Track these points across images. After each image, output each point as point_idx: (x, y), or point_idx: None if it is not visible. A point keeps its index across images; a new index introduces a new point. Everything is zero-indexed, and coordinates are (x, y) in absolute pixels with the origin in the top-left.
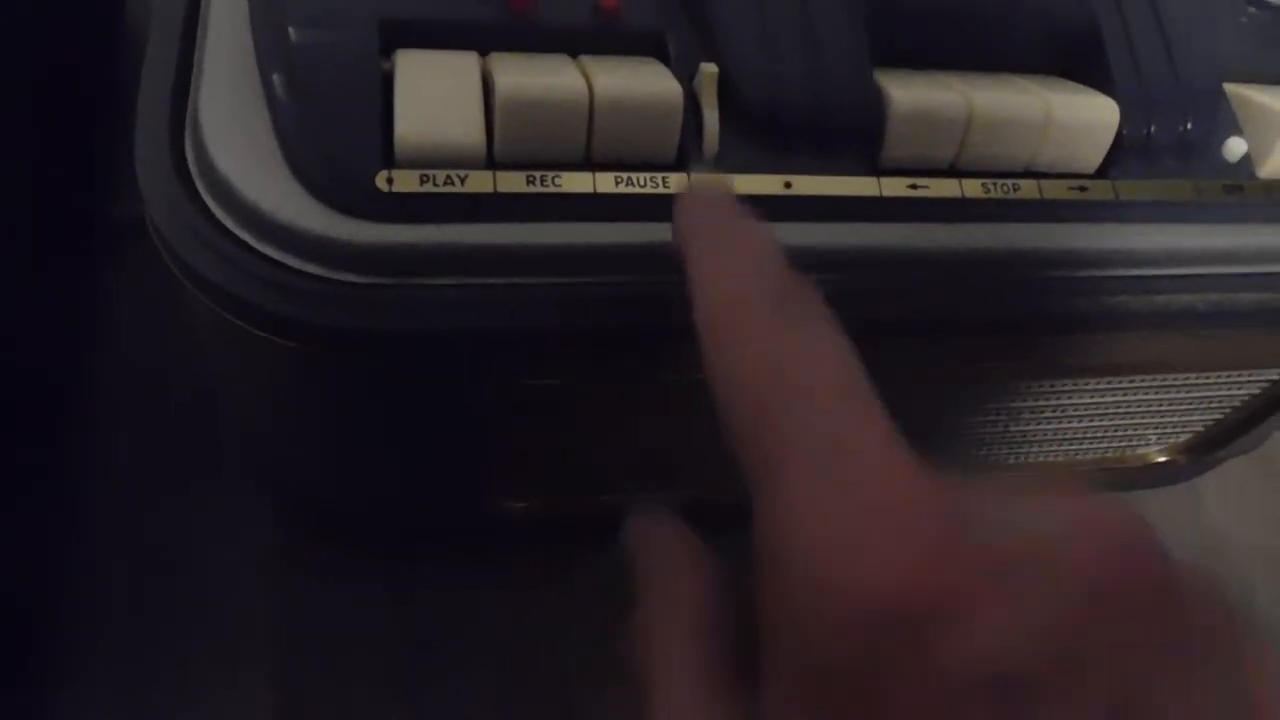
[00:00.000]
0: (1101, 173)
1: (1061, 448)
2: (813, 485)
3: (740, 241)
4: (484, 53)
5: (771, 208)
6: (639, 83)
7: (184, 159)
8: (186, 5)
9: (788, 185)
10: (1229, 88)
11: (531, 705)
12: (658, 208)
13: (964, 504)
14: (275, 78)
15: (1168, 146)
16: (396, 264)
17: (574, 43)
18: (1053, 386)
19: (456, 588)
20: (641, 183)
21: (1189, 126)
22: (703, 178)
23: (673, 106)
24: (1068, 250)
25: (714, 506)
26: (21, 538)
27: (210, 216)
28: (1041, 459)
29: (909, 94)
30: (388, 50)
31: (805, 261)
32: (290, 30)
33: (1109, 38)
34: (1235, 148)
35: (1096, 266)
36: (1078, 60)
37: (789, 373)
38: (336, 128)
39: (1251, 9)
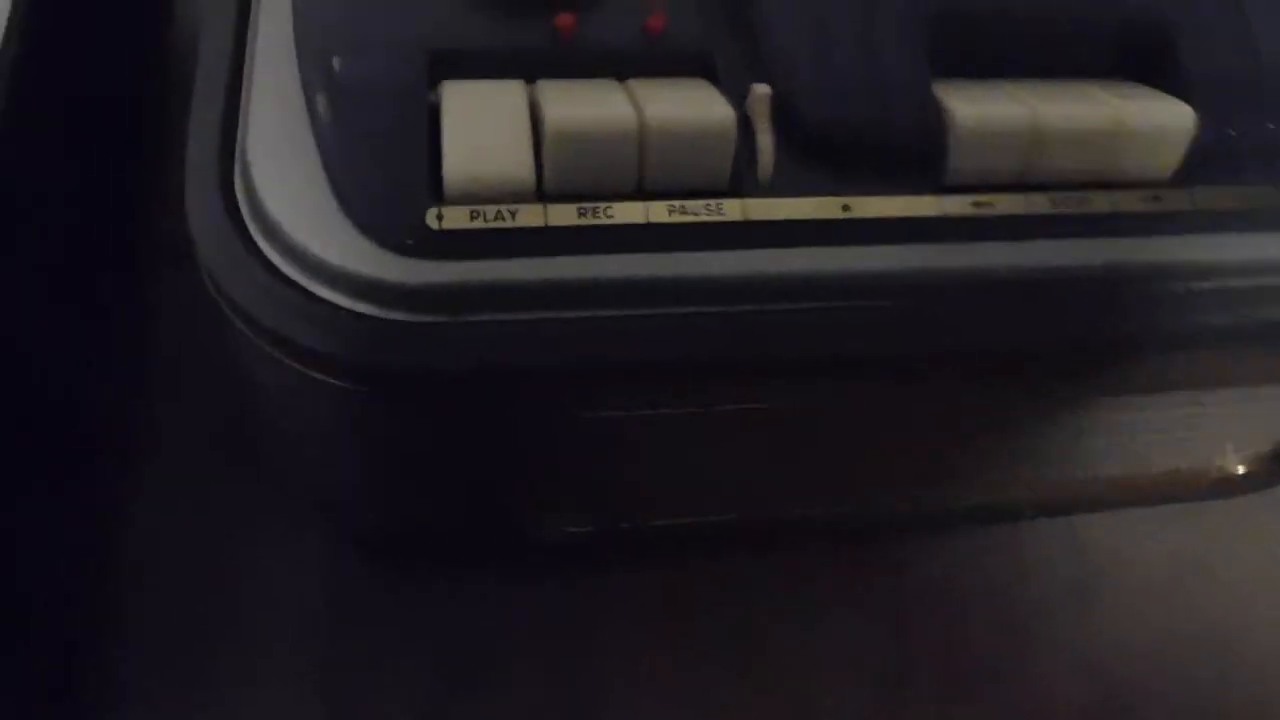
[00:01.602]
0: (1178, 181)
1: (1132, 463)
2: None
3: None
4: (531, 79)
5: (829, 232)
6: (690, 109)
7: (234, 200)
8: (234, 35)
9: (846, 208)
10: None
11: (573, 713)
12: (712, 235)
13: None
14: (321, 114)
15: (1250, 151)
16: (449, 301)
17: (621, 65)
18: (1125, 403)
19: (502, 602)
20: (696, 210)
21: (1274, 129)
22: None
23: (726, 132)
24: (1142, 263)
25: (756, 527)
26: (63, 560)
27: (262, 257)
28: (1112, 474)
29: (971, 109)
30: (434, 81)
31: (867, 286)
32: (335, 65)
33: (1186, 39)
34: None
35: (1173, 279)
36: (1152, 64)
37: None
38: (385, 165)
39: None
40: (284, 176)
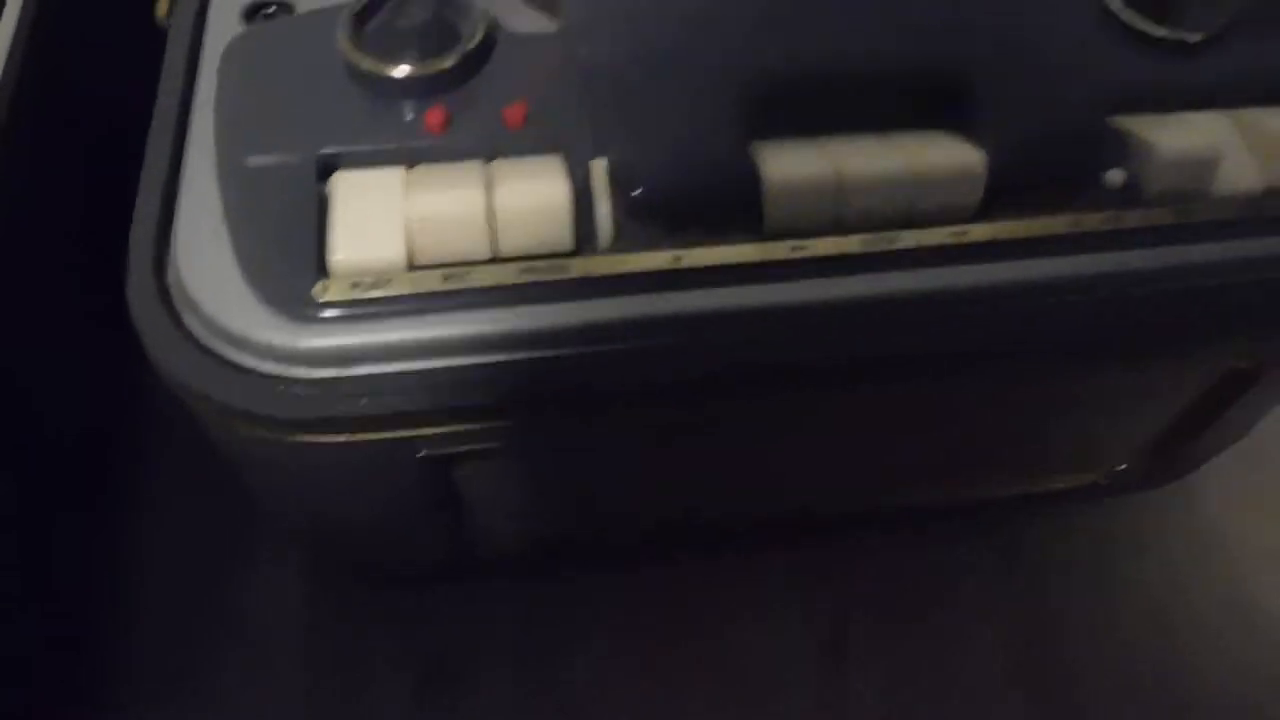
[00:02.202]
0: (982, 216)
1: (983, 476)
2: None
3: None
4: (411, 165)
5: (662, 280)
6: (531, 187)
7: (165, 282)
8: (174, 136)
9: (677, 259)
10: (1116, 120)
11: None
12: (558, 291)
13: None
14: (233, 205)
15: (1046, 185)
16: (336, 359)
17: (489, 149)
18: (956, 422)
19: (468, 613)
20: (543, 270)
21: (1065, 164)
22: None
23: (561, 205)
24: (945, 290)
25: (659, 540)
26: (74, 575)
27: (184, 328)
28: (966, 489)
29: (779, 167)
30: (327, 173)
31: (697, 324)
32: (246, 163)
33: (982, 91)
34: (1114, 179)
35: (976, 303)
36: (954, 114)
37: None
38: (282, 246)
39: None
40: (203, 259)
